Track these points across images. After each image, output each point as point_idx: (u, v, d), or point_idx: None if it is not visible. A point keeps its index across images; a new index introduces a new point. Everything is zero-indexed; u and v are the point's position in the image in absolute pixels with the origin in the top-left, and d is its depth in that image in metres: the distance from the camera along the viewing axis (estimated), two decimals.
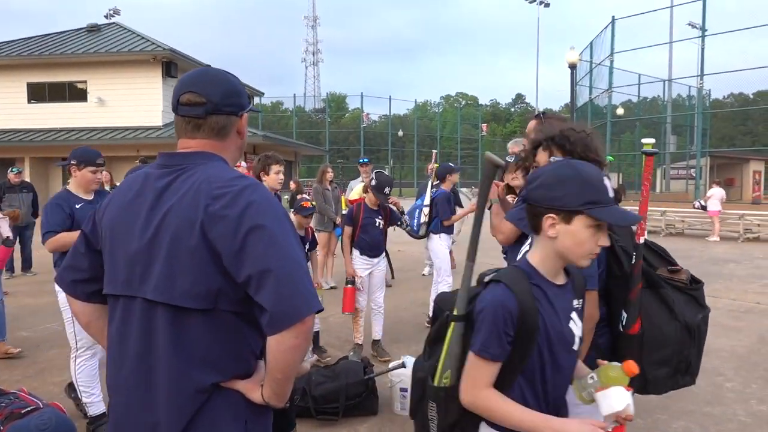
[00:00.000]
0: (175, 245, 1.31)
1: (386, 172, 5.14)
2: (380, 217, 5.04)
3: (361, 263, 5.01)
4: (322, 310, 1.30)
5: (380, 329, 5.18)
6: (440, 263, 6.00)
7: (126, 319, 1.40)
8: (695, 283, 2.05)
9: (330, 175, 7.64)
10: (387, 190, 4.95)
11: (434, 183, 6.55)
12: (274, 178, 4.12)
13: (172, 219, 1.33)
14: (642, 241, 1.93)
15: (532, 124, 3.09)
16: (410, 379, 3.97)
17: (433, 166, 8.31)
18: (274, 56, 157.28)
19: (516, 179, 4.01)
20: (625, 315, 1.91)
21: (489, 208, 3.16)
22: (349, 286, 4.90)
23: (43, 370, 4.77)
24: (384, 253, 5.27)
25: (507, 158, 4.13)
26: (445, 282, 5.90)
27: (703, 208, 15.01)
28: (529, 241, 1.87)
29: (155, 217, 1.35)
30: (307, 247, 4.73)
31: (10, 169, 9.07)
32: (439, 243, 5.98)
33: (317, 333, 4.91)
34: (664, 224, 15.99)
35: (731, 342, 5.51)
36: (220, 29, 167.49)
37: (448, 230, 6.02)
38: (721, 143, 38.31)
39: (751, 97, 39.13)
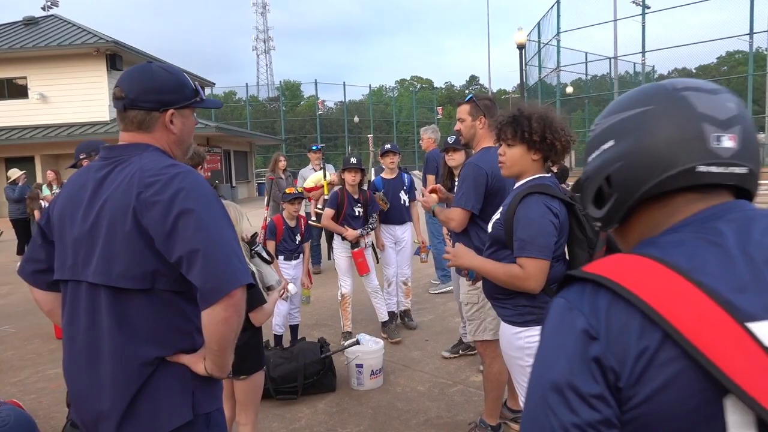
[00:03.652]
0: (111, 231, 1.42)
1: (354, 159, 5.02)
2: (359, 205, 4.98)
3: (343, 248, 5.00)
4: (252, 284, 1.42)
5: (384, 309, 5.09)
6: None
7: (74, 303, 1.51)
8: None
9: (283, 164, 7.62)
10: (353, 160, 4.95)
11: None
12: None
13: (109, 207, 1.44)
14: None
15: (465, 108, 3.16)
16: (366, 355, 4.10)
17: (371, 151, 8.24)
18: (225, 45, 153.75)
19: (453, 159, 4.21)
20: None
21: (433, 215, 3.31)
22: (356, 249, 4.84)
23: None
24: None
25: (448, 139, 4.30)
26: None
27: None
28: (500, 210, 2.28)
29: (95, 206, 1.46)
30: (298, 239, 4.65)
31: None
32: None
33: (296, 326, 4.73)
34: None
35: None
36: (166, 18, 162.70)
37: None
38: None
39: (694, 71, 40.53)
